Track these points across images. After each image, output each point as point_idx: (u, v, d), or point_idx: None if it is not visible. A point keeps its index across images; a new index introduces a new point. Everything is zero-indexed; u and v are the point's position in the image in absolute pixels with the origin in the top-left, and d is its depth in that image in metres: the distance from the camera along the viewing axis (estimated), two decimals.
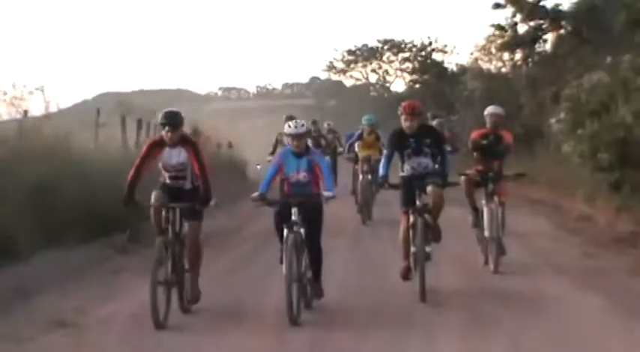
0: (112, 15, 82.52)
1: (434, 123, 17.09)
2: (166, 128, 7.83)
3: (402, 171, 9.15)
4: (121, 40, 77.72)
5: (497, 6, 25.40)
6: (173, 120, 7.89)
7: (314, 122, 20.36)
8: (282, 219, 7.95)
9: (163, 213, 7.76)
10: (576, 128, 16.06)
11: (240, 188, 18.80)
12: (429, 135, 9.13)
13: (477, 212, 10.96)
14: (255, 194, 7.99)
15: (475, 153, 11.21)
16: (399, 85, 37.90)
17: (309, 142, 15.82)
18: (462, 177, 11.12)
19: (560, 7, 24.68)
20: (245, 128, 15.67)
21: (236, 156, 22.80)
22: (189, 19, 79.71)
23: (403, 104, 9.31)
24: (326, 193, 7.87)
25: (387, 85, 37.71)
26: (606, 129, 15.19)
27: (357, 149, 16.42)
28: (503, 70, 28.51)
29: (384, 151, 9.72)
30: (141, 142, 19.17)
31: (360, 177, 16.02)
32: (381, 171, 9.29)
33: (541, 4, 24.82)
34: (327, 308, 8.44)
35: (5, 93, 16.61)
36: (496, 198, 10.74)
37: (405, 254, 8.89)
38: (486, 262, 10.63)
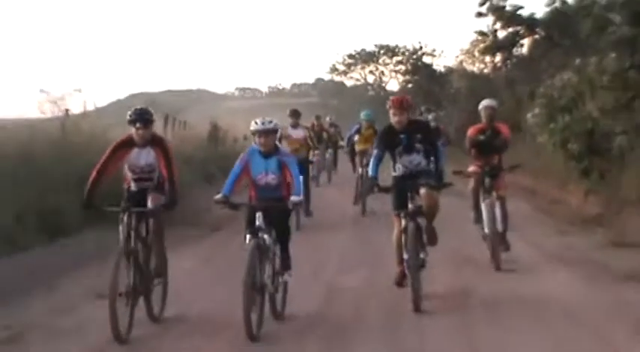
0: (142, 21, 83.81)
1: (429, 117, 17.42)
2: (137, 124, 6.90)
3: (394, 170, 8.14)
4: (149, 44, 79.21)
5: (479, 15, 25.78)
6: (143, 116, 6.98)
7: (317, 117, 20.53)
8: (246, 223, 7.06)
9: (125, 218, 6.76)
10: (549, 122, 16.33)
11: None
12: (420, 131, 8.04)
13: (477, 209, 10.23)
14: (218, 196, 6.91)
15: (473, 150, 10.40)
16: (393, 84, 38.79)
17: (308, 134, 15.02)
18: (470, 170, 10.34)
19: (535, 16, 25.00)
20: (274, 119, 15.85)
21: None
22: (208, 25, 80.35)
23: (392, 98, 8.35)
24: (293, 198, 6.89)
25: (383, 84, 38.45)
26: (575, 123, 15.50)
27: (355, 141, 15.97)
28: (485, 71, 28.69)
29: (374, 151, 8.44)
30: (167, 136, 19.37)
31: (360, 170, 15.42)
32: (370, 172, 8.20)
33: (518, 12, 25.20)
34: (300, 317, 7.38)
35: (49, 94, 17.43)
36: (494, 193, 10.03)
37: (398, 259, 7.90)
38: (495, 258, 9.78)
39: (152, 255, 7.19)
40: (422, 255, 7.78)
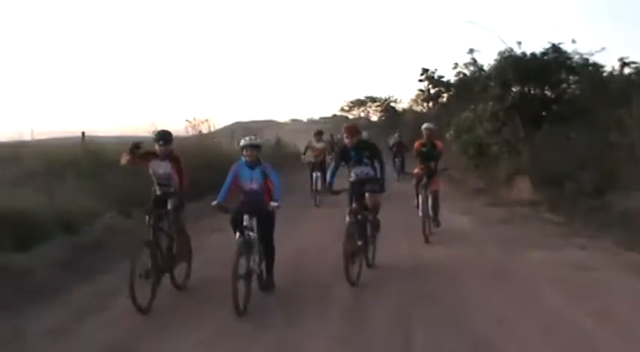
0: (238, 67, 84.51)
1: (395, 135, 22.21)
2: (160, 142, 7.19)
3: (350, 177, 8.47)
4: (240, 84, 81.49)
5: (420, 81, 28.75)
6: (165, 137, 7.24)
7: (331, 135, 22.09)
8: (236, 224, 6.95)
9: (147, 218, 6.95)
10: (457, 138, 19.54)
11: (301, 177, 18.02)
12: (367, 149, 8.42)
13: (417, 198, 10.87)
14: (214, 202, 6.95)
15: (418, 158, 11.05)
16: (375, 118, 45.84)
17: (326, 145, 16.93)
18: (415, 171, 11.16)
19: (449, 80, 26.67)
20: (302, 139, 18.85)
21: (298, 153, 22.16)
22: (275, 70, 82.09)
23: (345, 126, 8.87)
24: (272, 203, 6.89)
25: (369, 118, 46.21)
26: (471, 139, 18.85)
27: None
28: (424, 110, 31.87)
29: (332, 164, 8.81)
30: None
31: None
32: (327, 178, 8.55)
33: (441, 79, 28.15)
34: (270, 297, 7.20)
35: (190, 121, 20.62)
36: (429, 189, 10.62)
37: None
38: (424, 232, 10.28)
39: (175, 243, 7.26)
40: (361, 243, 8.01)
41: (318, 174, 15.71)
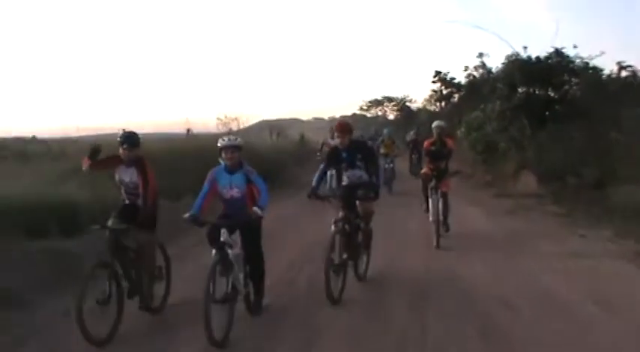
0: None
1: (411, 133, 20.21)
2: (124, 145, 5.95)
3: (343, 181, 7.29)
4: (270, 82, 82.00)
5: (434, 82, 28.01)
6: (130, 139, 5.99)
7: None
8: (212, 238, 5.68)
9: (107, 234, 5.68)
10: (469, 134, 19.87)
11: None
12: (360, 151, 7.18)
13: (427, 202, 9.83)
14: (186, 215, 5.60)
15: (427, 157, 10.18)
16: (391, 116, 46.15)
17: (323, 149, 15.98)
18: (422, 171, 10.25)
19: (460, 82, 26.52)
20: (324, 136, 18.40)
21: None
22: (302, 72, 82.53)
23: (336, 123, 7.57)
24: (255, 208, 5.57)
25: (386, 116, 46.48)
26: (481, 136, 19.17)
27: (381, 147, 16.49)
28: (437, 109, 31.08)
29: (321, 166, 7.39)
30: (277, 143, 22.92)
31: (386, 165, 15.50)
32: (313, 182, 7.12)
33: (453, 81, 27.44)
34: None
35: (221, 119, 20.57)
36: (439, 191, 9.48)
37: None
38: (437, 237, 9.17)
39: (144, 263, 6.05)
40: (346, 256, 6.74)
41: (333, 172, 13.47)
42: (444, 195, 9.61)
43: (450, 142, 10.06)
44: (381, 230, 8.27)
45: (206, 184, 5.86)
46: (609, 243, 9.20)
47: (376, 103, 49.59)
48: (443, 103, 28.98)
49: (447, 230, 9.76)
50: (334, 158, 7.25)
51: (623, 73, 18.23)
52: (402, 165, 18.38)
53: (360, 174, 7.16)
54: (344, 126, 7.18)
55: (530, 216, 11.86)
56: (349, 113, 51.65)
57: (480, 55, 21.97)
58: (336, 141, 11.47)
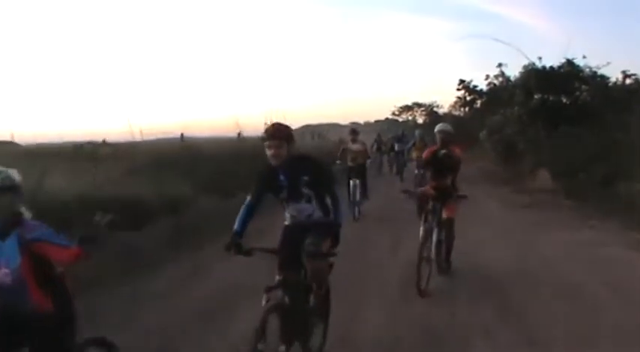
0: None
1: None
2: None
3: (285, 219, 4.10)
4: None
5: (458, 89, 27.29)
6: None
7: (379, 134, 22.32)
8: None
9: None
10: (490, 136, 19.72)
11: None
12: (305, 171, 3.82)
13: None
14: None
15: (427, 170, 7.13)
16: (420, 120, 45.60)
17: (373, 147, 17.21)
18: (420, 189, 7.21)
19: (482, 89, 25.69)
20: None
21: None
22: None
23: (266, 127, 3.84)
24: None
25: (416, 120, 45.84)
26: (501, 138, 19.05)
27: (412, 150, 13.77)
28: (461, 114, 30.49)
29: (247, 198, 3.96)
30: (317, 144, 22.84)
31: (416, 171, 12.37)
32: (235, 224, 3.87)
33: (475, 88, 26.82)
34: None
35: (267, 123, 17.09)
36: (442, 215, 6.39)
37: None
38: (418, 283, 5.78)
39: None
40: (283, 348, 3.59)
41: (357, 181, 11.28)
42: (449, 223, 6.44)
43: (457, 152, 6.70)
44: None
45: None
46: (616, 233, 9.12)
47: (407, 109, 49.35)
48: (467, 109, 28.92)
49: (449, 268, 6.58)
50: (269, 183, 3.96)
51: (628, 81, 18.41)
52: None
53: (309, 209, 3.97)
54: (277, 130, 3.77)
55: (545, 209, 11.75)
56: (382, 117, 51.56)
57: (500, 65, 22.03)
58: (357, 146, 10.49)
